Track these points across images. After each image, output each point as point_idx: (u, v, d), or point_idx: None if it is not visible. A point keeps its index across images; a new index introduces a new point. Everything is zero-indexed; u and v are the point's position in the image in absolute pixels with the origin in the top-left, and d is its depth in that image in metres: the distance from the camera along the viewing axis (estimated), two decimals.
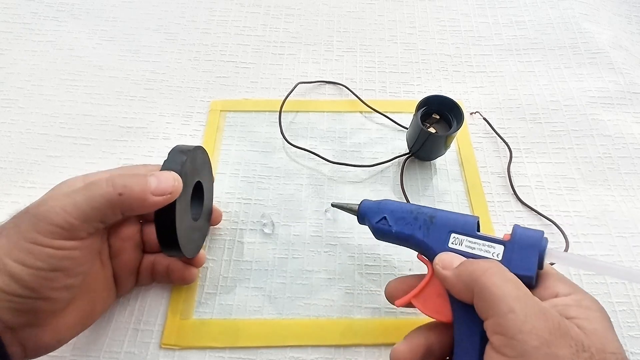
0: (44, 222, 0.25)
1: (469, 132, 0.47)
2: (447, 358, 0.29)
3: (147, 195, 0.28)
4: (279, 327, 0.35)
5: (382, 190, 0.43)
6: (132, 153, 0.45)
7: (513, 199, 0.42)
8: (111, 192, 0.27)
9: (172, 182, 0.29)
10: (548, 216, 0.41)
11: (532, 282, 0.26)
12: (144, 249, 0.34)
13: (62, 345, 0.29)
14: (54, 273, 0.26)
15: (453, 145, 0.46)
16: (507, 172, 0.44)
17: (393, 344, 0.34)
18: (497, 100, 0.50)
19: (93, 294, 0.30)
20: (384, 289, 0.32)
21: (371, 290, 0.37)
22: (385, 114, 0.47)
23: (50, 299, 0.26)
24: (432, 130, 0.41)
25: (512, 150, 0.45)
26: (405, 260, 0.38)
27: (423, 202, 0.42)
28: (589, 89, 0.51)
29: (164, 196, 0.28)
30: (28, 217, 0.26)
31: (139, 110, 0.48)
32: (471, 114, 0.48)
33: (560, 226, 0.40)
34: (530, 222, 0.41)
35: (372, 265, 0.38)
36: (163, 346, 0.34)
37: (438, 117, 0.42)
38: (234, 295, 0.37)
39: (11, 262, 0.25)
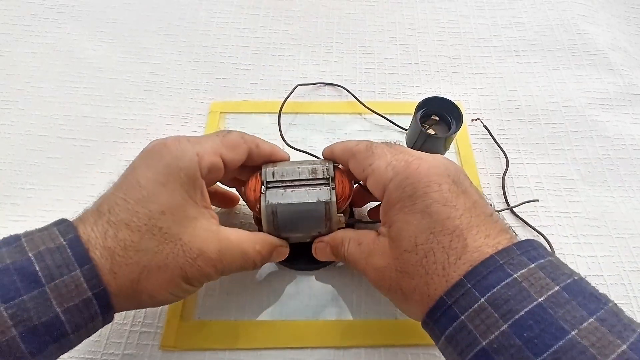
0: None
1: (469, 134, 0.47)
2: None
3: None
4: (278, 329, 0.35)
5: None
6: (132, 155, 0.44)
7: (512, 200, 0.42)
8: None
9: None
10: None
11: None
12: None
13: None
14: None
15: (452, 146, 0.46)
16: (502, 182, 0.43)
17: (393, 345, 0.34)
18: (496, 101, 0.50)
19: None
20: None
21: (371, 291, 0.37)
22: (385, 115, 0.47)
23: None
24: (431, 131, 0.41)
25: (509, 158, 0.44)
26: None
27: None
28: (588, 90, 0.51)
29: None
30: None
31: (139, 112, 0.48)
32: (472, 120, 0.48)
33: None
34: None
35: None
36: (162, 348, 0.34)
37: (437, 119, 0.42)
38: (233, 297, 0.36)
39: None
